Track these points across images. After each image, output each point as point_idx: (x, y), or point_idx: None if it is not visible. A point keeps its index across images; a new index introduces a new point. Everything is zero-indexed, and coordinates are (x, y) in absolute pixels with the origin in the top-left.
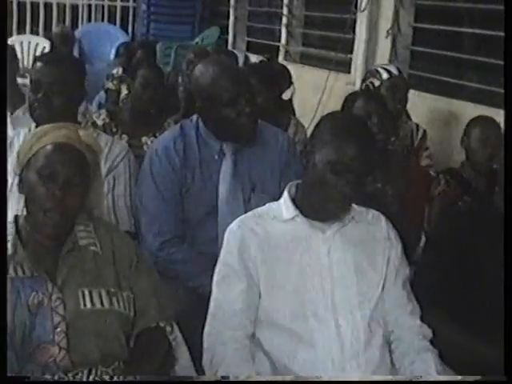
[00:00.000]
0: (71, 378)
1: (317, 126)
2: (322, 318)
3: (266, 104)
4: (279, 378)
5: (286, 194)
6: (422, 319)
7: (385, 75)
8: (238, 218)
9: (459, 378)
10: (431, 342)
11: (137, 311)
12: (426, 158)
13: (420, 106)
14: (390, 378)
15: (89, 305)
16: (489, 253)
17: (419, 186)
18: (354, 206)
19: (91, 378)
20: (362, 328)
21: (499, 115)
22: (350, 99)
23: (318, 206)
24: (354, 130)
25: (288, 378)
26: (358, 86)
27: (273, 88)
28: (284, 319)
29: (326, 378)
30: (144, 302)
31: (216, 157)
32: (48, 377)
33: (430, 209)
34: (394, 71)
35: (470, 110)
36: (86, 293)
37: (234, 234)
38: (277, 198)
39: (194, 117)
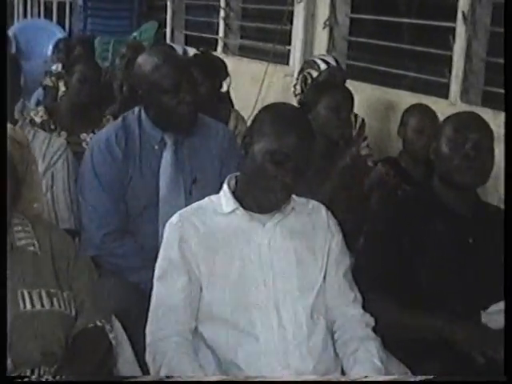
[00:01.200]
0: None
1: (256, 117)
2: (264, 310)
3: (206, 96)
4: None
5: (225, 186)
6: (364, 307)
7: (323, 66)
8: (178, 212)
9: (459, 378)
10: (373, 329)
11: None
12: (365, 147)
13: (358, 95)
14: (388, 378)
15: (29, 306)
16: (428, 239)
17: (359, 176)
18: (294, 196)
19: (33, 378)
20: (304, 318)
21: (436, 103)
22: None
23: (258, 198)
24: (292, 120)
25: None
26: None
27: (212, 80)
28: (226, 312)
29: (269, 370)
30: (81, 300)
31: (157, 147)
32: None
33: (369, 198)
34: (332, 62)
35: (408, 99)
36: (26, 294)
37: (173, 228)
38: (218, 190)
39: (136, 108)
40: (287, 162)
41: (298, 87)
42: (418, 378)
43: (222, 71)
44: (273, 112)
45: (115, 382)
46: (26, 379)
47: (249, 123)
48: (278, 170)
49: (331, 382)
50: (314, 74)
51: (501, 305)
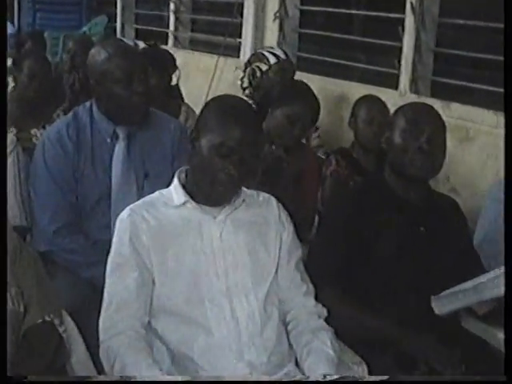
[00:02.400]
0: None
1: (201, 110)
2: (217, 303)
3: (156, 90)
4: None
5: (175, 180)
6: (317, 298)
7: (272, 60)
8: (128, 207)
9: (459, 378)
10: (326, 320)
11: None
12: (316, 138)
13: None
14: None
15: None
16: (380, 229)
17: (311, 167)
18: (244, 189)
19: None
20: (257, 311)
21: (386, 94)
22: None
23: (207, 191)
24: (238, 113)
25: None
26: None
27: (161, 74)
28: (179, 306)
29: (223, 363)
30: (29, 296)
31: (109, 140)
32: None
33: (322, 189)
34: (282, 55)
35: (358, 91)
36: None
37: (124, 222)
38: (170, 185)
39: (87, 102)
40: (233, 155)
41: (246, 80)
42: (418, 378)
43: (170, 64)
44: (218, 105)
45: (118, 381)
46: (26, 379)
47: None
48: (225, 163)
49: (333, 381)
50: (264, 67)
51: (450, 290)
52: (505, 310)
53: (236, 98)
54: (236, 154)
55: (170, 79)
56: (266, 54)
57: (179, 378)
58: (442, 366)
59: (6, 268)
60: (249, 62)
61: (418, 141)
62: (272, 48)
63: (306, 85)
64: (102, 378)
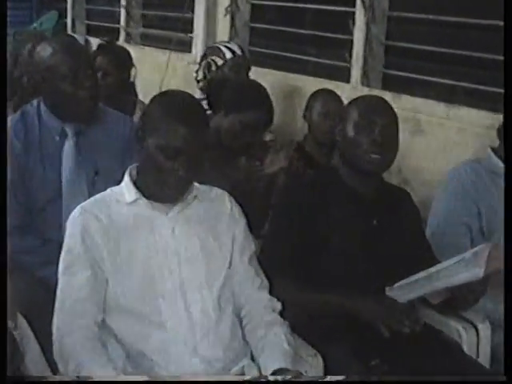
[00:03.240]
0: None
1: (146, 109)
2: (171, 299)
3: (113, 87)
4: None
5: (126, 177)
6: (271, 292)
7: (228, 55)
8: (79, 205)
9: (459, 378)
10: (281, 314)
11: None
12: (269, 132)
13: (261, 81)
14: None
15: None
16: (333, 222)
17: (263, 161)
18: (196, 184)
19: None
20: (211, 306)
21: (338, 87)
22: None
23: (157, 189)
24: (183, 111)
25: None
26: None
27: (118, 71)
28: (133, 303)
29: (178, 359)
30: None
31: (57, 138)
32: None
33: (275, 182)
34: (238, 51)
35: (310, 84)
36: None
37: (75, 221)
38: (121, 182)
39: (35, 100)
40: (180, 155)
41: (201, 73)
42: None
43: (127, 61)
44: (163, 103)
45: (118, 381)
46: (24, 379)
47: None
48: (172, 164)
49: (331, 382)
50: (219, 61)
51: (405, 280)
52: (505, 310)
53: (182, 93)
54: (183, 155)
55: (129, 76)
56: (223, 48)
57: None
58: (400, 324)
59: (6, 269)
60: (205, 55)
61: (371, 135)
62: (228, 43)
63: (263, 89)
64: (102, 378)
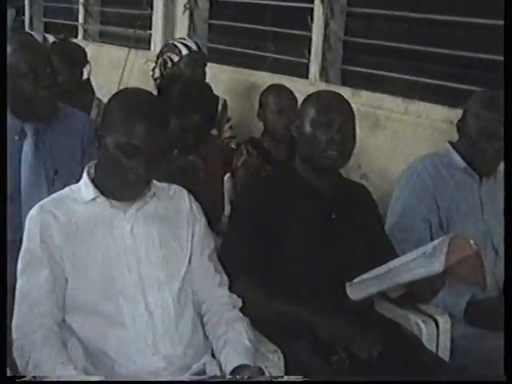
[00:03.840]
0: None
1: (106, 107)
2: (131, 297)
3: (67, 85)
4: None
5: (85, 175)
6: (231, 289)
7: (184, 51)
8: (38, 204)
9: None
10: (241, 310)
11: None
12: (229, 129)
13: (220, 78)
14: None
15: None
16: (292, 218)
17: (222, 158)
18: (155, 182)
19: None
20: (171, 303)
21: (297, 83)
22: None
23: (116, 187)
24: (142, 109)
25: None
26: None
27: (72, 68)
28: (93, 302)
29: (138, 357)
30: None
31: (17, 138)
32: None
33: (234, 179)
34: (193, 47)
35: (269, 80)
36: None
37: (33, 220)
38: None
39: None
40: (140, 154)
41: (157, 70)
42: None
43: (81, 58)
44: (122, 101)
45: (118, 381)
46: (25, 379)
47: None
48: (131, 162)
49: (334, 382)
50: (175, 58)
51: (365, 275)
52: (505, 310)
53: (141, 91)
54: (142, 153)
55: (82, 73)
56: (179, 44)
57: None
58: (358, 349)
59: (5, 269)
60: (161, 53)
61: (329, 132)
62: (185, 39)
63: (209, 91)
64: (103, 378)
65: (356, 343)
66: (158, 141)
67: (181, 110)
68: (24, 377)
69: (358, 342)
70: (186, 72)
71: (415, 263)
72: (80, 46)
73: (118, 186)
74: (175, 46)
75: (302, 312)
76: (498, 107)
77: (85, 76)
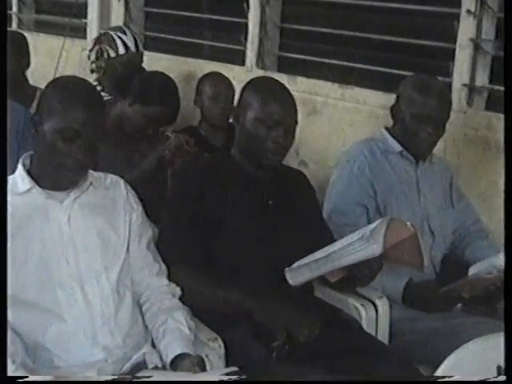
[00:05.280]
0: None
1: (42, 94)
2: (69, 289)
3: (16, 75)
4: None
5: (20, 166)
6: (170, 278)
7: (121, 50)
8: None
9: (458, 378)
10: (181, 299)
11: None
12: None
13: (157, 66)
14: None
15: None
16: (229, 204)
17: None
18: (91, 171)
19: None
20: (110, 294)
21: (233, 71)
22: None
23: (53, 176)
24: (79, 94)
25: None
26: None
27: (21, 57)
28: (30, 294)
29: (77, 349)
30: None
31: None
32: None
33: (172, 168)
34: (132, 47)
35: (206, 68)
36: None
37: None
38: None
39: None
40: (78, 138)
41: (93, 54)
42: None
43: (26, 48)
44: (60, 87)
45: (130, 381)
46: (26, 379)
47: None
48: (70, 147)
49: (333, 382)
50: (112, 53)
51: (303, 260)
52: (505, 309)
53: (77, 78)
54: (81, 138)
55: (28, 63)
56: (117, 40)
57: None
58: (297, 333)
59: (6, 268)
60: (99, 39)
61: (270, 125)
62: (124, 33)
63: (173, 85)
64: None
65: (294, 327)
66: (97, 126)
67: (146, 100)
68: (25, 377)
69: (296, 326)
70: (120, 69)
71: (353, 247)
72: (23, 35)
73: (56, 173)
74: (114, 40)
75: (240, 299)
76: (428, 91)
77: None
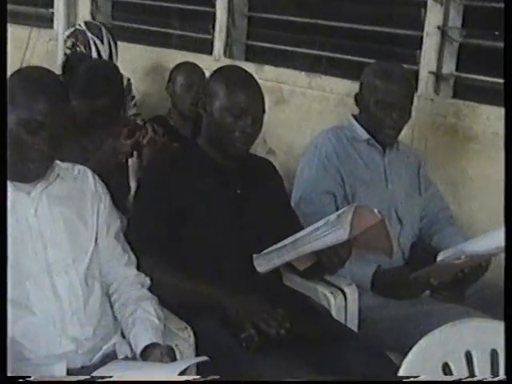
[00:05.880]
0: None
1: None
2: (38, 281)
3: None
4: None
5: None
6: (139, 268)
7: (94, 53)
8: None
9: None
10: (150, 289)
11: None
12: (133, 106)
13: (125, 56)
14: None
15: None
16: (197, 194)
17: (127, 136)
18: (58, 162)
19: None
20: (78, 285)
21: (201, 60)
22: None
23: (18, 168)
24: (44, 85)
25: None
26: (60, 41)
27: None
28: None
29: (47, 341)
30: None
31: None
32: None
33: (140, 157)
34: (104, 55)
35: (173, 57)
36: None
37: None
38: None
39: None
40: (42, 130)
41: (68, 44)
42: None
43: None
44: (23, 78)
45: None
46: (26, 379)
47: None
48: (34, 139)
49: (331, 382)
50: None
51: (270, 248)
52: (505, 308)
53: (42, 68)
54: (46, 129)
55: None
56: (92, 47)
57: None
58: (267, 327)
59: (5, 268)
60: (74, 35)
61: (236, 115)
62: (101, 41)
63: (114, 74)
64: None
65: (264, 320)
66: (61, 117)
67: (88, 92)
68: (25, 377)
69: (266, 320)
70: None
71: (320, 231)
72: None
73: (20, 166)
74: (89, 44)
75: (209, 289)
76: (390, 77)
77: None
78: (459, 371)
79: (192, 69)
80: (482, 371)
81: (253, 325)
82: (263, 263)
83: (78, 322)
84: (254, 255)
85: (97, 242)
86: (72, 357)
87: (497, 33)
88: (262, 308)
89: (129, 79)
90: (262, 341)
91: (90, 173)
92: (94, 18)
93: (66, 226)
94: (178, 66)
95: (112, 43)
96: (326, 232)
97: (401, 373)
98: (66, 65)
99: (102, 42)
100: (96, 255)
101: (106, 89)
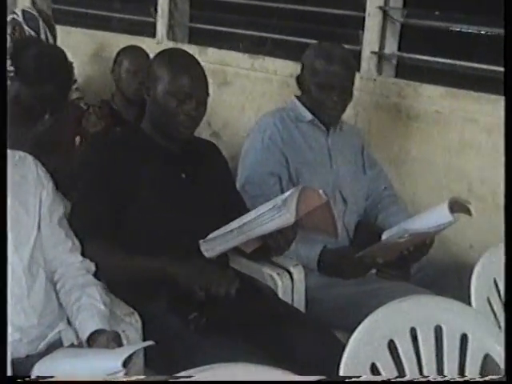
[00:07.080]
0: None
1: None
2: None
3: None
4: None
5: None
6: (84, 254)
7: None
8: None
9: (457, 378)
10: (95, 274)
11: None
12: (75, 90)
13: (66, 40)
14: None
15: None
16: (141, 179)
17: (71, 120)
18: None
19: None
20: (22, 273)
21: (143, 42)
22: None
23: None
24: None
25: None
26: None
27: None
28: None
29: None
30: None
31: None
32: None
33: (83, 142)
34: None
35: (116, 41)
36: None
37: None
38: None
39: None
40: None
41: (9, 31)
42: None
43: None
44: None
45: (119, 381)
46: (26, 379)
47: None
48: None
49: (330, 381)
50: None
51: (217, 232)
52: (505, 307)
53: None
54: None
55: None
56: (26, 31)
57: None
58: (216, 286)
59: (6, 267)
60: (12, 24)
61: (180, 98)
62: (37, 33)
63: (64, 58)
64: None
65: (213, 281)
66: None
67: (35, 78)
68: (25, 377)
69: (215, 279)
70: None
71: (266, 216)
72: None
73: None
74: (24, 34)
75: (157, 263)
76: (330, 58)
77: None
78: (404, 348)
79: (138, 53)
80: (427, 347)
81: (203, 286)
82: (210, 248)
83: (22, 310)
84: (201, 241)
85: (40, 229)
86: (17, 346)
87: (437, 13)
88: (211, 269)
89: (71, 63)
90: (209, 322)
91: (31, 159)
92: (34, 1)
93: (9, 212)
94: (124, 50)
95: (50, 36)
96: (272, 216)
97: (347, 350)
98: (13, 49)
99: (38, 34)
100: (39, 242)
101: (53, 75)
